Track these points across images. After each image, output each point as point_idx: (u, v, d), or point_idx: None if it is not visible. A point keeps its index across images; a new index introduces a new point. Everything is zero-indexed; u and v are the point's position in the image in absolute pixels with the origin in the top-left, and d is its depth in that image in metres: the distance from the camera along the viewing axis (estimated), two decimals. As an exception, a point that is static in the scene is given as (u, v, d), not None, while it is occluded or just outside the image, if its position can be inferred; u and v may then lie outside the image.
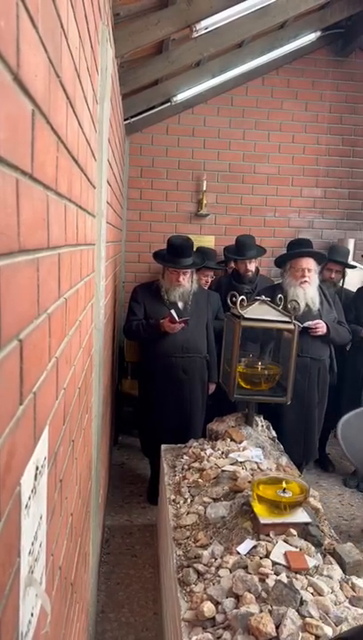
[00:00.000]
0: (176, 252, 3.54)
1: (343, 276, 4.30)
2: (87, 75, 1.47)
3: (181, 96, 4.59)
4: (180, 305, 3.60)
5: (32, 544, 0.82)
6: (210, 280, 4.39)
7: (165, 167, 5.29)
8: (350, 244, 5.07)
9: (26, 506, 0.76)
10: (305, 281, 3.50)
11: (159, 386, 3.61)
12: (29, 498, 0.79)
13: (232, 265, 4.57)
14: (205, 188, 5.28)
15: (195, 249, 4.15)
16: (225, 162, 5.35)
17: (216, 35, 3.66)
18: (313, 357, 3.60)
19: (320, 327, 3.50)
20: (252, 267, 4.25)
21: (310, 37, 4.67)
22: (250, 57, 4.53)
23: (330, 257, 4.20)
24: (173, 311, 3.42)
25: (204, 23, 3.09)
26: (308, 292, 3.51)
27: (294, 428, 3.57)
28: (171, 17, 2.97)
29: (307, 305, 3.51)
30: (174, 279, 3.58)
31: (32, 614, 0.83)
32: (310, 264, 3.53)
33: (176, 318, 3.39)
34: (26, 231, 0.73)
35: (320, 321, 3.51)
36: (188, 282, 3.62)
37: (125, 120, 4.40)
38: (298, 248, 3.65)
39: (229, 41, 3.91)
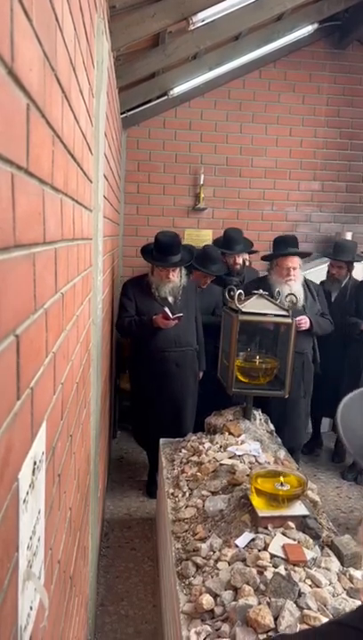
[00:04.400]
0: (164, 250, 3.57)
1: (350, 271, 4.31)
2: (83, 68, 1.46)
3: (178, 89, 4.56)
4: (170, 299, 3.65)
5: (30, 539, 0.82)
6: (209, 281, 4.32)
7: (163, 161, 5.27)
8: (348, 238, 5.07)
9: (24, 501, 0.76)
10: (290, 279, 3.64)
11: (153, 379, 3.67)
12: (27, 493, 0.79)
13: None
14: (202, 182, 5.27)
15: (202, 248, 4.25)
16: (222, 155, 5.34)
17: (213, 27, 3.63)
18: (297, 351, 3.64)
19: (304, 322, 3.61)
20: (239, 260, 4.36)
21: (307, 30, 4.64)
22: (247, 50, 4.50)
23: (333, 255, 4.30)
24: (166, 309, 3.47)
25: (200, 15, 3.07)
26: (293, 288, 3.62)
27: (279, 419, 3.59)
28: (167, 9, 2.95)
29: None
30: (164, 276, 3.63)
31: (31, 608, 0.83)
32: (294, 262, 3.66)
33: (170, 315, 3.44)
34: (21, 226, 0.73)
35: (304, 317, 3.61)
36: (177, 277, 3.67)
37: (121, 114, 4.38)
38: (283, 246, 3.75)
39: (225, 33, 3.89)
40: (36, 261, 0.83)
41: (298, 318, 3.53)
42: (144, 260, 3.76)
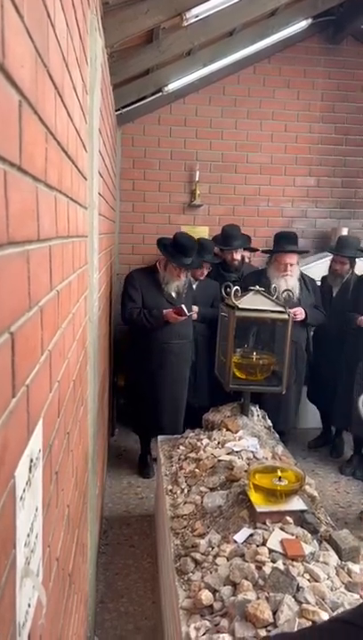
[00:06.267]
0: (183, 251, 3.73)
1: (352, 266, 4.31)
2: (76, 65, 1.46)
3: (173, 86, 4.55)
4: (174, 295, 3.83)
5: (28, 536, 0.82)
6: (206, 271, 4.41)
7: (158, 158, 5.26)
8: (344, 233, 5.07)
9: (21, 498, 0.76)
10: (287, 274, 3.84)
11: (153, 369, 3.85)
12: (24, 490, 0.79)
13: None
14: (198, 179, 5.26)
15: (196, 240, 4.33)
16: (218, 152, 5.33)
17: (207, 23, 3.62)
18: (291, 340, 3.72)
19: (299, 314, 3.78)
20: (238, 256, 4.44)
21: (301, 25, 4.63)
22: (241, 45, 4.49)
23: (336, 251, 4.34)
24: (183, 305, 3.67)
25: (194, 11, 3.06)
26: (289, 282, 3.81)
27: (271, 404, 3.64)
28: (160, 5, 2.94)
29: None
30: (176, 274, 3.80)
31: (29, 605, 0.83)
32: (292, 259, 3.86)
33: (186, 312, 3.66)
34: (15, 223, 0.72)
35: (299, 308, 3.80)
36: (185, 277, 3.89)
37: (116, 111, 4.37)
38: (284, 242, 3.90)
39: (219, 29, 3.87)
40: (30, 259, 0.83)
41: (293, 310, 3.68)
42: (161, 252, 3.84)
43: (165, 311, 3.71)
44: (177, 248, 3.73)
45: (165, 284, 3.82)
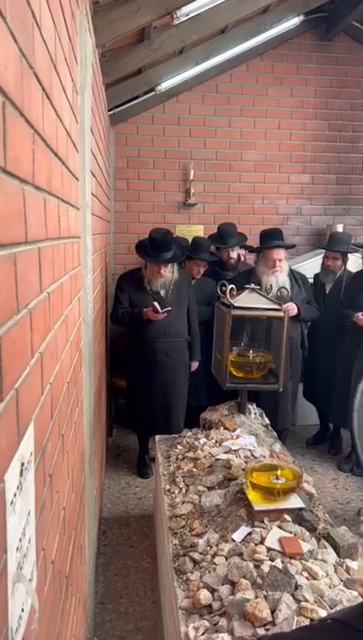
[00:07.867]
0: (157, 247, 3.72)
1: (344, 262, 4.31)
2: (65, 65, 1.45)
3: (166, 85, 4.54)
4: (162, 293, 3.83)
5: (20, 540, 0.82)
6: (202, 270, 4.40)
7: (152, 157, 5.25)
8: (339, 230, 5.07)
9: (11, 502, 0.76)
10: (276, 270, 3.82)
11: (145, 368, 3.86)
12: (15, 494, 0.78)
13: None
14: (192, 177, 5.26)
15: (191, 240, 4.42)
16: (212, 150, 5.33)
17: (198, 21, 3.62)
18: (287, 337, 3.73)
19: (292, 308, 3.74)
20: (234, 254, 4.44)
21: (293, 22, 4.62)
22: (233, 43, 4.49)
23: (328, 246, 4.33)
24: (156, 303, 3.64)
25: (185, 9, 3.04)
26: (279, 279, 3.80)
27: (267, 402, 3.65)
28: (151, 4, 2.93)
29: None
30: (156, 271, 3.80)
31: (23, 610, 0.83)
32: (280, 254, 3.84)
33: (159, 309, 3.61)
34: (0, 226, 0.72)
35: (291, 303, 3.76)
36: (169, 272, 3.84)
37: (109, 110, 4.36)
38: (269, 239, 3.90)
39: (211, 27, 3.87)
40: (17, 261, 0.82)
41: (285, 305, 3.65)
42: (138, 255, 3.85)
43: (144, 310, 3.71)
44: (152, 246, 3.73)
45: (147, 282, 3.84)
